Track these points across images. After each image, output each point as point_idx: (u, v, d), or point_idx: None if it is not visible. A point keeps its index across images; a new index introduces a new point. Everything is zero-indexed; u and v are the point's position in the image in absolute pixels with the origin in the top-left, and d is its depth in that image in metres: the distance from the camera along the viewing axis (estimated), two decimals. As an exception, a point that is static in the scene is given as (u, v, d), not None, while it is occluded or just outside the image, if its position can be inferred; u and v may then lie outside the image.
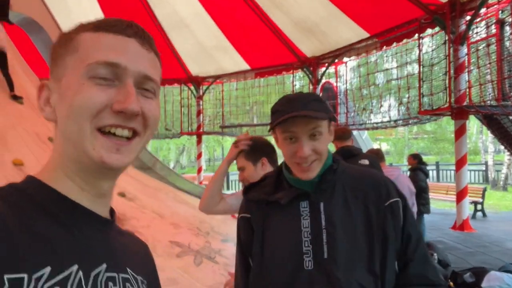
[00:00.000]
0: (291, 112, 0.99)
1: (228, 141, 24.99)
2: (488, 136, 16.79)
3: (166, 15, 9.55)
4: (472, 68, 6.15)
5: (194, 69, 10.87)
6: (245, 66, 10.26)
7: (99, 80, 0.50)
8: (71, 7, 9.25)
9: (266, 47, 9.32)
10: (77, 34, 0.53)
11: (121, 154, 0.51)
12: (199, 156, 11.97)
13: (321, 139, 1.02)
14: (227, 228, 4.96)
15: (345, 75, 9.85)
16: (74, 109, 0.50)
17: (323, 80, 9.82)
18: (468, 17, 5.82)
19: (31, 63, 5.79)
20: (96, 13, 9.43)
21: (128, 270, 0.55)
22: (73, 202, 0.52)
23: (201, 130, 11.67)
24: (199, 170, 11.83)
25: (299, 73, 11.00)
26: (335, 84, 10.04)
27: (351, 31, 7.72)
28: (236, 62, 10.14)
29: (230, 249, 4.00)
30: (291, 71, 10.00)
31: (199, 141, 11.88)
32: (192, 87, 11.45)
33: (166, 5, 9.33)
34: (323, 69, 9.26)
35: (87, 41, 0.52)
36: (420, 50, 6.58)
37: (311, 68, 9.31)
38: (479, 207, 9.47)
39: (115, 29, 0.52)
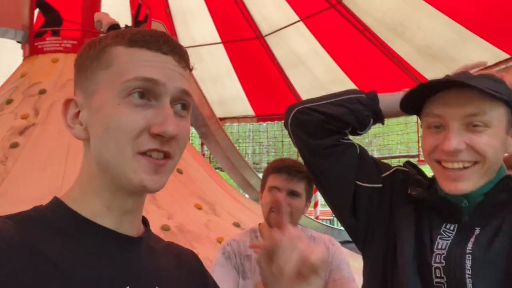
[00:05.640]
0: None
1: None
2: None
3: (283, 54, 10.01)
4: None
5: (311, 103, 11.00)
6: (363, 98, 9.96)
7: (136, 99, 0.48)
8: (203, 56, 10.44)
9: (386, 78, 8.91)
10: (110, 47, 0.51)
11: (159, 175, 0.50)
12: (315, 190, 11.81)
13: (487, 133, 0.69)
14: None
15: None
16: (112, 132, 0.48)
17: (453, 109, 8.85)
18: None
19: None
20: (226, 64, 10.44)
21: None
22: (96, 224, 0.50)
23: (317, 164, 11.58)
24: (316, 204, 11.63)
25: (424, 103, 10.17)
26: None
27: (485, 53, 6.85)
28: (353, 94, 9.92)
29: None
30: (415, 101, 9.31)
31: (315, 175, 11.78)
32: (308, 121, 11.55)
33: (283, 46, 9.80)
34: (453, 97, 8.38)
35: (122, 56, 0.50)
36: None
37: (438, 97, 8.52)
38: None
39: (152, 45, 0.50)
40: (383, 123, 0.97)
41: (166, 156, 0.50)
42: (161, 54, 0.50)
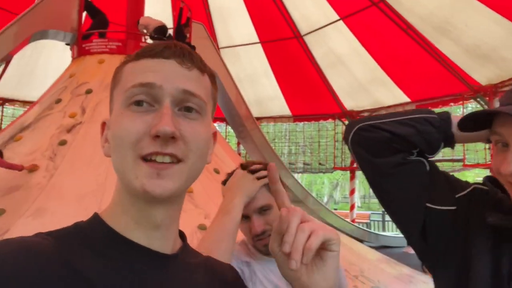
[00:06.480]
0: (504, 106, 0.68)
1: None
2: None
3: (322, 54, 9.88)
4: None
5: (349, 104, 10.78)
6: (404, 98, 9.62)
7: (136, 107, 0.49)
8: (241, 56, 10.52)
9: (429, 78, 8.56)
10: (122, 67, 0.54)
11: (163, 179, 0.47)
12: (352, 192, 11.58)
13: None
14: (379, 274, 4.53)
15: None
16: (115, 141, 0.49)
17: (503, 111, 8.33)
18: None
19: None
20: (263, 64, 10.47)
21: None
22: (130, 241, 0.50)
23: (354, 165, 11.32)
24: (352, 207, 11.40)
25: (472, 104, 9.68)
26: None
27: (542, 52, 6.41)
28: (394, 95, 9.61)
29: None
30: (461, 102, 8.85)
31: (352, 177, 11.53)
32: (346, 122, 11.33)
33: (322, 45, 9.66)
34: (503, 98, 7.91)
35: (128, 71, 0.52)
36: None
37: (487, 98, 8.06)
38: None
39: (152, 53, 0.51)
40: (453, 148, 0.87)
41: (175, 159, 0.48)
42: (162, 59, 0.51)
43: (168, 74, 0.50)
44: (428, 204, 0.81)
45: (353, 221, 10.66)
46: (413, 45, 8.13)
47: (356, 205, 12.08)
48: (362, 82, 9.71)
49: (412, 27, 7.96)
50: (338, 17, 8.92)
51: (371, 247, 6.96)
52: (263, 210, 1.07)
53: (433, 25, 7.58)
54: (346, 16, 8.80)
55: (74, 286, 0.43)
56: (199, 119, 0.51)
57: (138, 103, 0.49)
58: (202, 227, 3.47)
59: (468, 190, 0.82)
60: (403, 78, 9.07)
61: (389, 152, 0.83)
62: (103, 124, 0.55)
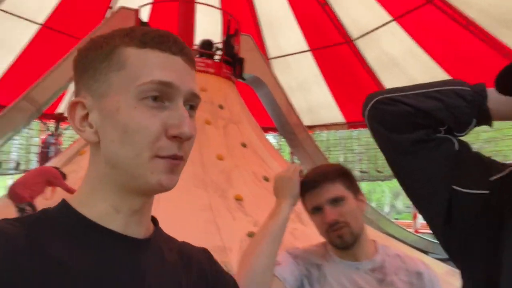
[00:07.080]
0: None
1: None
2: None
3: (375, 57, 9.56)
4: None
5: (407, 108, 10.29)
6: (468, 99, 8.96)
7: (151, 102, 0.48)
8: (291, 65, 10.53)
9: (496, 75, 7.91)
10: (120, 48, 0.50)
11: (174, 174, 0.50)
12: (415, 200, 10.94)
13: None
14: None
15: None
16: (130, 135, 0.48)
17: None
18: None
19: (254, 113, 6.82)
20: (314, 71, 10.37)
21: None
22: (102, 227, 0.50)
23: (416, 173, 10.72)
24: (415, 216, 10.77)
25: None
26: None
27: None
28: (457, 95, 9.00)
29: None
30: (535, 100, 8.06)
31: (414, 185, 10.92)
32: (405, 127, 10.80)
33: (375, 48, 9.36)
34: None
35: (134, 58, 0.49)
36: None
37: None
38: None
39: (162, 46, 0.50)
40: (490, 125, 0.74)
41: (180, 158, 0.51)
42: (170, 54, 0.51)
43: (181, 74, 0.51)
44: (454, 187, 0.71)
45: (416, 231, 10.05)
46: (474, 41, 7.59)
47: (419, 214, 11.37)
48: (420, 82, 9.21)
49: (472, 22, 7.44)
50: (390, 18, 8.60)
51: (437, 259, 6.49)
52: (335, 201, 1.06)
53: (495, 18, 7.01)
54: (399, 16, 8.46)
55: (47, 271, 0.43)
56: (194, 116, 0.54)
57: (153, 98, 0.49)
58: (251, 235, 3.47)
59: (504, 172, 0.70)
60: (466, 76, 8.42)
61: (410, 128, 0.73)
62: (75, 104, 0.51)
